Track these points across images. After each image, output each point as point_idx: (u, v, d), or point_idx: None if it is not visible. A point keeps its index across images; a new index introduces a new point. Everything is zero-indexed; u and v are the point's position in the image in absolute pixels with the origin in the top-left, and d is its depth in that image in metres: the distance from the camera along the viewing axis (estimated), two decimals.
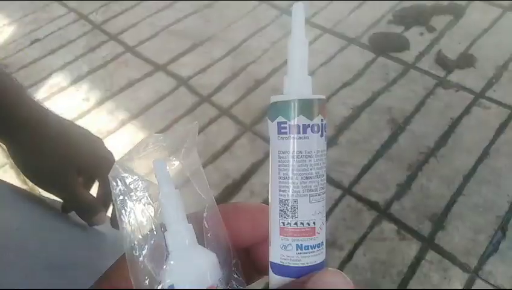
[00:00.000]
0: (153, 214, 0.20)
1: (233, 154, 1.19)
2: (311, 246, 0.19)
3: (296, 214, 0.19)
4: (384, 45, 1.48)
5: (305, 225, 0.19)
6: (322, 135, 0.19)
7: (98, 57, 1.52)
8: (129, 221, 0.19)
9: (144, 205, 0.20)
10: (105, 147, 0.44)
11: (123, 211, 0.19)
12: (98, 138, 0.44)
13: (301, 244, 0.19)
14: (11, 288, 0.28)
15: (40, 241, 0.34)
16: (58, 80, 1.44)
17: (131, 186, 0.20)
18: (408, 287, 0.92)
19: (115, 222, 0.43)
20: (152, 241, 0.19)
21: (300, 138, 0.18)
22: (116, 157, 1.26)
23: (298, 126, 0.18)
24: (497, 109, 1.26)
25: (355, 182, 1.11)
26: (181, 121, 1.28)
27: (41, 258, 0.32)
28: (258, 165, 1.15)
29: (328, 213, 1.04)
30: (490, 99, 1.29)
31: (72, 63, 1.50)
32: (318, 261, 0.19)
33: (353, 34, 1.53)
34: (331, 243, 1.00)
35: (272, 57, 1.45)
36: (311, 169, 0.19)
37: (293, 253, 0.19)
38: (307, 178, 0.19)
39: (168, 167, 0.19)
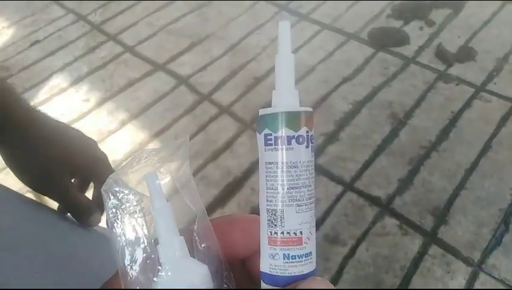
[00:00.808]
0: (145, 227, 0.20)
1: (234, 152, 1.19)
2: (298, 255, 0.19)
3: (283, 224, 0.19)
4: (384, 40, 1.47)
5: (292, 234, 0.19)
6: (307, 146, 0.19)
7: (97, 57, 1.52)
8: (121, 234, 0.20)
9: (136, 218, 0.20)
10: (99, 148, 0.44)
11: (115, 225, 0.20)
12: (92, 139, 0.44)
13: (288, 254, 0.19)
14: (6, 288, 0.28)
15: (36, 240, 0.34)
16: (58, 81, 1.44)
17: (124, 199, 0.20)
18: (411, 282, 0.92)
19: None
20: (144, 254, 0.19)
21: (286, 149, 0.19)
22: (114, 157, 1.25)
23: (283, 138, 0.19)
24: (498, 102, 1.26)
25: (356, 177, 1.10)
26: (181, 120, 1.28)
27: (37, 256, 0.32)
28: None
29: (330, 209, 1.04)
30: (491, 93, 1.28)
31: (72, 64, 1.50)
32: (306, 271, 0.19)
33: (352, 29, 1.52)
34: (333, 239, 1.00)
35: (271, 54, 1.45)
36: (297, 179, 0.19)
37: (281, 262, 0.19)
38: (293, 188, 0.19)
39: (159, 180, 0.20)
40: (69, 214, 0.41)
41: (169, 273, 0.19)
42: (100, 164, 0.42)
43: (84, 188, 0.43)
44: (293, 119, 0.19)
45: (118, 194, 0.20)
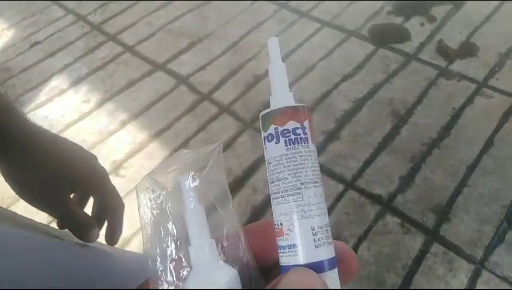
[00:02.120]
0: (175, 229, 0.20)
1: (235, 151, 1.18)
2: (282, 246, 0.20)
3: (273, 215, 0.21)
4: (385, 37, 1.46)
5: (276, 225, 0.20)
6: (277, 142, 0.20)
7: (97, 58, 1.51)
8: (152, 235, 0.20)
9: (168, 219, 0.20)
10: (98, 163, 0.44)
11: (147, 225, 0.20)
12: (92, 154, 0.44)
13: (278, 244, 0.20)
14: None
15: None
16: (58, 82, 1.44)
17: (157, 200, 0.21)
18: (413, 281, 0.91)
19: (110, 238, 0.43)
20: (175, 256, 0.20)
21: (264, 148, 0.21)
22: (115, 157, 1.25)
23: (263, 138, 0.21)
24: (500, 97, 1.25)
25: (358, 175, 1.10)
26: (182, 120, 1.28)
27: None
28: (260, 161, 1.14)
29: (331, 208, 1.04)
30: (493, 88, 1.27)
31: (72, 64, 1.50)
32: (291, 263, 0.20)
33: (352, 26, 1.51)
34: (335, 238, 0.98)
35: None
36: (272, 174, 0.21)
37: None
38: (271, 182, 0.21)
39: (193, 183, 0.20)
40: (67, 230, 0.41)
41: (199, 275, 0.19)
42: (99, 178, 0.42)
43: (84, 203, 0.43)
44: (264, 121, 0.21)
45: (150, 195, 0.20)
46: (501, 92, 1.26)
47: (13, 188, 0.38)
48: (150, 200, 0.20)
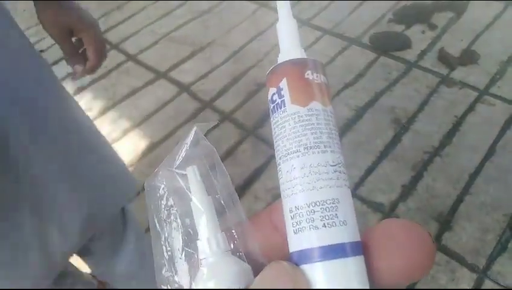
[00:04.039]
0: (183, 222, 0.20)
1: (237, 159, 1.19)
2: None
3: None
4: (386, 44, 1.47)
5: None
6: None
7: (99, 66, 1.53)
8: (161, 228, 0.20)
9: (176, 212, 0.20)
10: (98, 27, 0.61)
11: (155, 219, 0.20)
12: (95, 20, 0.61)
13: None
14: None
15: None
16: None
17: (164, 193, 0.20)
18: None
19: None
20: (183, 249, 0.19)
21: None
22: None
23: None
24: (502, 105, 1.24)
25: (359, 184, 1.10)
26: (183, 128, 1.29)
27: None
28: (261, 169, 1.14)
29: None
30: (495, 96, 1.27)
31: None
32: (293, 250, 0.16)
33: (354, 34, 1.52)
34: None
35: (273, 60, 1.44)
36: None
37: None
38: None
39: (200, 175, 0.20)
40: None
41: (210, 269, 0.18)
42: (92, 29, 0.59)
43: (81, 45, 0.61)
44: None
45: (158, 188, 0.20)
46: (503, 99, 1.26)
47: (45, 25, 0.57)
48: (158, 194, 0.20)
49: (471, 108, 1.25)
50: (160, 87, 1.43)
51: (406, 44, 1.46)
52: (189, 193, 0.20)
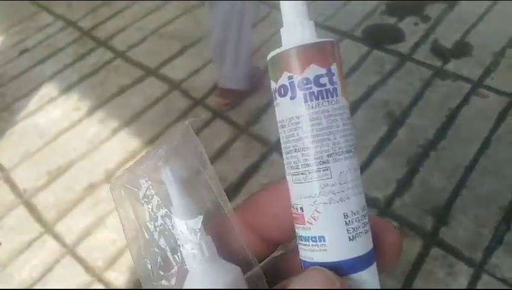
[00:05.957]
0: (163, 227, 0.18)
1: (229, 157, 1.17)
2: (303, 237, 0.15)
3: (290, 195, 0.16)
4: (379, 37, 1.45)
5: (294, 209, 0.16)
6: (293, 97, 0.15)
7: (87, 64, 1.49)
8: (139, 236, 0.18)
9: (154, 217, 0.18)
10: None
11: (125, 224, 0.18)
12: None
13: (298, 233, 0.16)
14: None
15: None
16: (48, 90, 1.42)
17: (139, 197, 0.18)
18: (413, 286, 0.90)
19: None
20: (165, 256, 0.17)
21: (276, 104, 0.16)
22: (107, 166, 1.23)
23: (273, 91, 0.16)
24: (496, 97, 1.24)
25: None
26: (174, 126, 1.26)
27: None
28: (255, 167, 1.12)
29: None
30: (489, 88, 1.26)
31: (62, 72, 1.47)
32: (317, 260, 0.15)
33: (346, 27, 1.50)
34: None
35: (264, 54, 1.42)
36: (287, 142, 0.15)
37: (296, 242, 0.16)
38: (286, 153, 0.16)
39: (176, 176, 0.17)
40: None
41: (198, 278, 0.16)
42: None
43: None
44: (273, 66, 0.15)
45: (137, 192, 0.18)
46: (497, 91, 1.25)
47: None
48: (129, 199, 0.18)
49: (465, 100, 1.23)
50: (150, 84, 1.40)
51: (399, 37, 1.45)
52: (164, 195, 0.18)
